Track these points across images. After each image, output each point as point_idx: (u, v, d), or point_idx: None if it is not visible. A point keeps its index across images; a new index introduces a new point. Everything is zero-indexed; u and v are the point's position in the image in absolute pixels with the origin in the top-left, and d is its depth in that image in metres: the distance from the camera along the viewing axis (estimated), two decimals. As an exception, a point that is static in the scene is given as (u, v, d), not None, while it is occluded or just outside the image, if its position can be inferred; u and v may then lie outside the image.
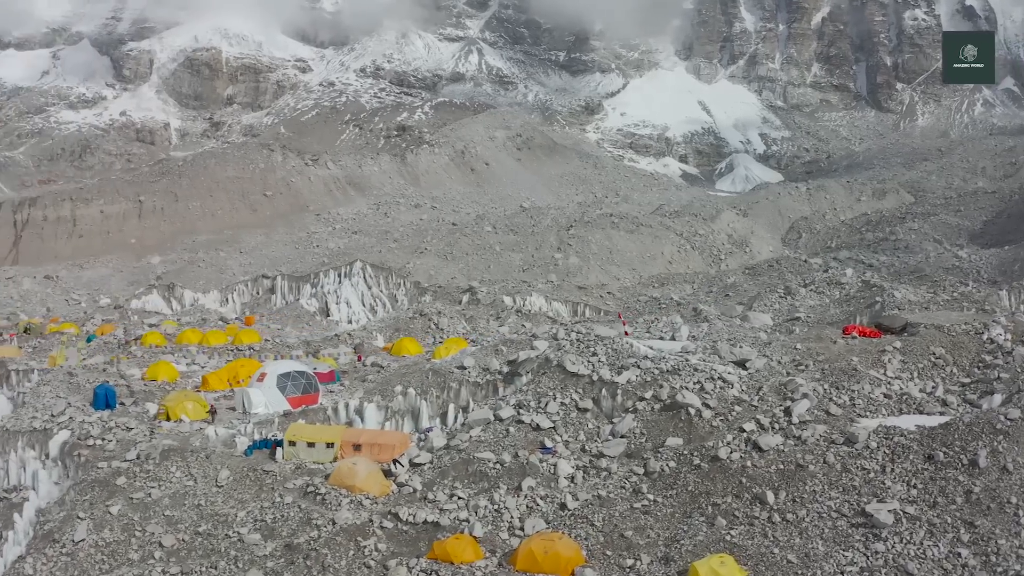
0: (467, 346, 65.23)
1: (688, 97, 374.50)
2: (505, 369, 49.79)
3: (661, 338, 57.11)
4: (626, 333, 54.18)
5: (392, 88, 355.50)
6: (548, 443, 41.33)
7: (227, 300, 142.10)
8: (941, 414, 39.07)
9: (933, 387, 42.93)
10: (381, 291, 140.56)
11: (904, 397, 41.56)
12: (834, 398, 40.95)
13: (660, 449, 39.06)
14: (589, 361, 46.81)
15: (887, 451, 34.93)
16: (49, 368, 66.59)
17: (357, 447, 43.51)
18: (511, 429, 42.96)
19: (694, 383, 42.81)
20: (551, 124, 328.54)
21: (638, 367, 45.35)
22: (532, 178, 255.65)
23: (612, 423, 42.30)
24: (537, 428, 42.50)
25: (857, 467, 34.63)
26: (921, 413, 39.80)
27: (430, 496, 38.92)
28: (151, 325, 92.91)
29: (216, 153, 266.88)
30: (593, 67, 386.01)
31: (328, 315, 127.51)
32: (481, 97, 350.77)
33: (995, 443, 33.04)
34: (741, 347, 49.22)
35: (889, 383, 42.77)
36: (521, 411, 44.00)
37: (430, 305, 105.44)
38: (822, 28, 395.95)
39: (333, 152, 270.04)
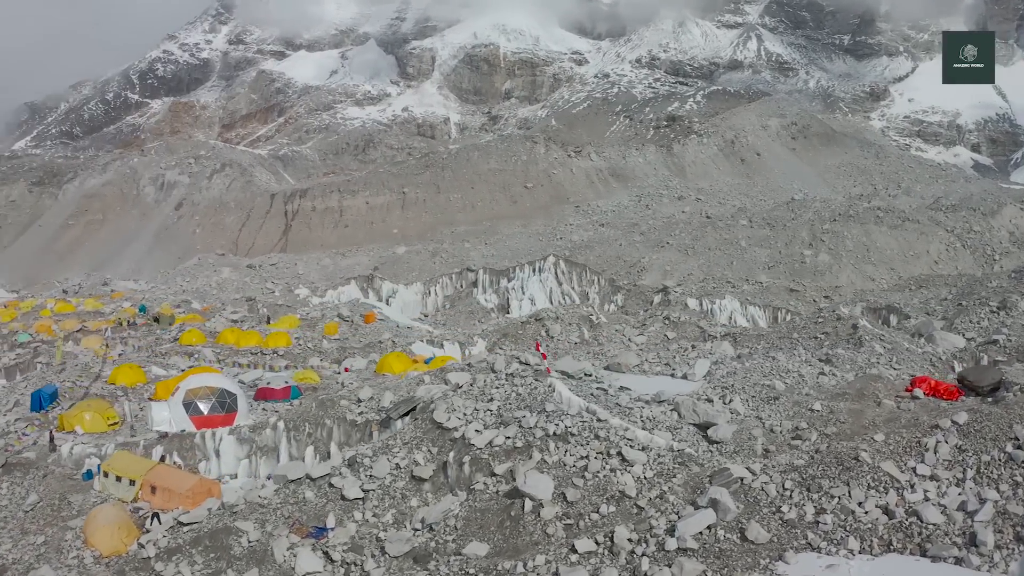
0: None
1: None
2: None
3: (672, 375, 41.74)
4: (547, 370, 36.76)
5: (667, 78, 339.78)
6: (332, 521, 28.78)
7: (429, 292, 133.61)
8: (959, 563, 21.70)
9: (977, 507, 23.65)
10: (572, 288, 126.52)
11: (913, 521, 23.67)
12: (783, 509, 24.61)
13: (454, 557, 25.32)
14: (469, 412, 32.53)
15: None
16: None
17: (154, 489, 33.73)
18: (310, 494, 30.67)
19: (577, 458, 28.25)
20: (832, 112, 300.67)
21: (519, 425, 30.42)
22: (806, 169, 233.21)
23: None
24: (342, 498, 29.83)
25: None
26: (925, 556, 22.32)
27: (153, 568, 28.44)
28: (233, 322, 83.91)
29: (480, 146, 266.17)
30: (879, 50, 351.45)
31: (508, 311, 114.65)
32: (759, 85, 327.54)
33: None
34: (729, 401, 32.96)
35: (906, 489, 25.00)
36: (344, 471, 31.24)
37: (549, 311, 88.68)
38: None
39: (598, 144, 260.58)
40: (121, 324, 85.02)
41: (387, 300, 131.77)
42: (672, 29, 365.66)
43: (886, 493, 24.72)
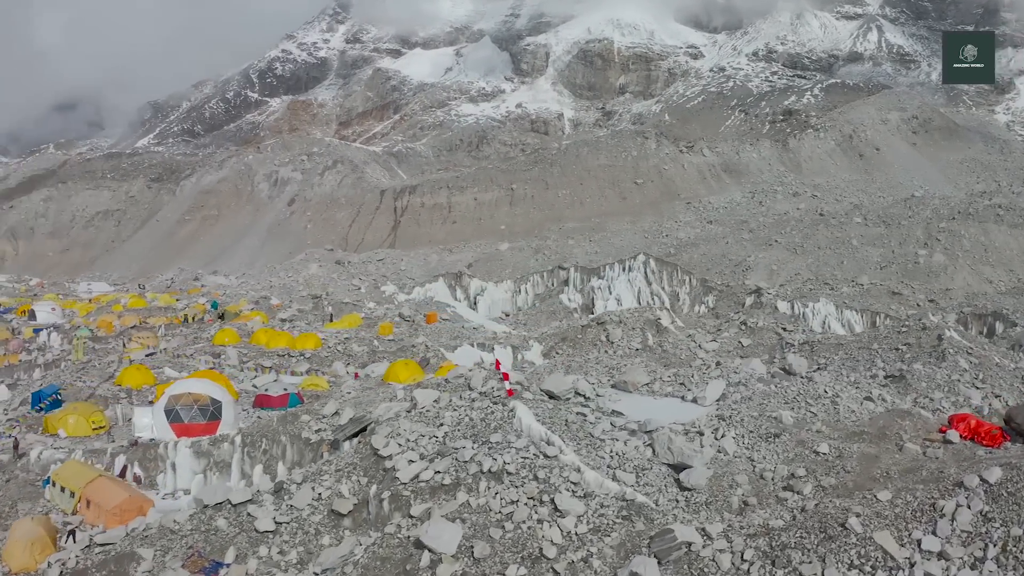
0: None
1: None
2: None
3: (682, 397, 36.63)
4: (509, 392, 31.65)
5: (783, 71, 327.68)
6: (231, 556, 25.32)
7: (519, 290, 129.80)
8: None
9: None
10: (662, 287, 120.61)
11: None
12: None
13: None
14: (412, 438, 28.35)
15: None
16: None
17: (88, 503, 31.17)
18: (223, 522, 26.95)
19: (505, 503, 23.96)
20: (955, 105, 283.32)
21: (454, 457, 26.24)
22: (927, 164, 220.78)
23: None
24: (255, 529, 26.16)
25: None
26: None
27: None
28: (286, 320, 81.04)
29: (589, 141, 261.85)
30: (1004, 41, 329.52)
31: (592, 311, 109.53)
32: (879, 77, 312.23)
33: None
34: (720, 436, 27.83)
35: (902, 571, 19.42)
36: (264, 498, 27.39)
37: (613, 314, 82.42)
38: None
39: (711, 139, 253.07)
40: (188, 320, 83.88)
41: (474, 298, 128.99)
42: (790, 21, 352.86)
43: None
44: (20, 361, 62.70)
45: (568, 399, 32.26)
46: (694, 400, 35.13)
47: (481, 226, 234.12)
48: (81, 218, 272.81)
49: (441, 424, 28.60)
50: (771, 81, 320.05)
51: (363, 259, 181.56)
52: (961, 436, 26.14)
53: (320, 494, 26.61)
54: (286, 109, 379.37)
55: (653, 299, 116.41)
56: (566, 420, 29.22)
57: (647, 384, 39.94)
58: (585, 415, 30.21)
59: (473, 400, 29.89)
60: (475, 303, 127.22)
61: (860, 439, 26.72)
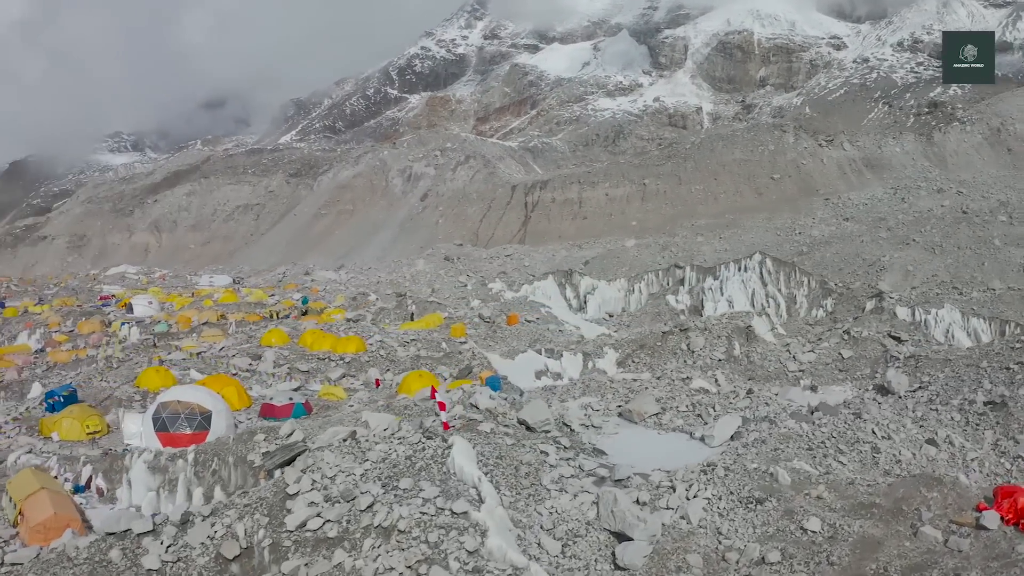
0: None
1: None
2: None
3: (689, 434, 31.26)
4: (444, 425, 27.05)
5: (930, 61, 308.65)
6: None
7: (633, 289, 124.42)
8: None
9: None
10: (778, 289, 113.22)
11: None
12: None
13: None
14: (329, 474, 24.52)
15: None
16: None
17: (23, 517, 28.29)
18: (117, 554, 23.25)
19: (382, 570, 19.97)
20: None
21: (352, 503, 22.39)
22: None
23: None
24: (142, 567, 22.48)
25: None
26: None
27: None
28: (348, 320, 78.15)
29: (724, 135, 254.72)
30: None
31: (701, 313, 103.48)
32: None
33: None
34: (693, 495, 22.58)
35: None
36: (166, 530, 23.71)
37: (698, 320, 76.33)
38: None
39: (852, 132, 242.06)
40: (271, 317, 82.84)
41: (584, 297, 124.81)
42: (936, 10, 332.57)
43: None
44: (87, 356, 62.21)
45: (547, 431, 27.78)
46: (702, 438, 30.09)
47: (611, 222, 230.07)
48: (222, 212, 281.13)
49: (366, 459, 24.71)
50: (916, 72, 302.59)
51: (491, 254, 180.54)
52: (1003, 519, 19.16)
53: (217, 532, 23.14)
54: (425, 105, 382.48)
55: (768, 301, 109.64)
56: (521, 461, 24.95)
57: (655, 415, 34.80)
58: (548, 454, 25.72)
59: (404, 435, 25.91)
60: (585, 302, 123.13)
61: (867, 514, 20.91)
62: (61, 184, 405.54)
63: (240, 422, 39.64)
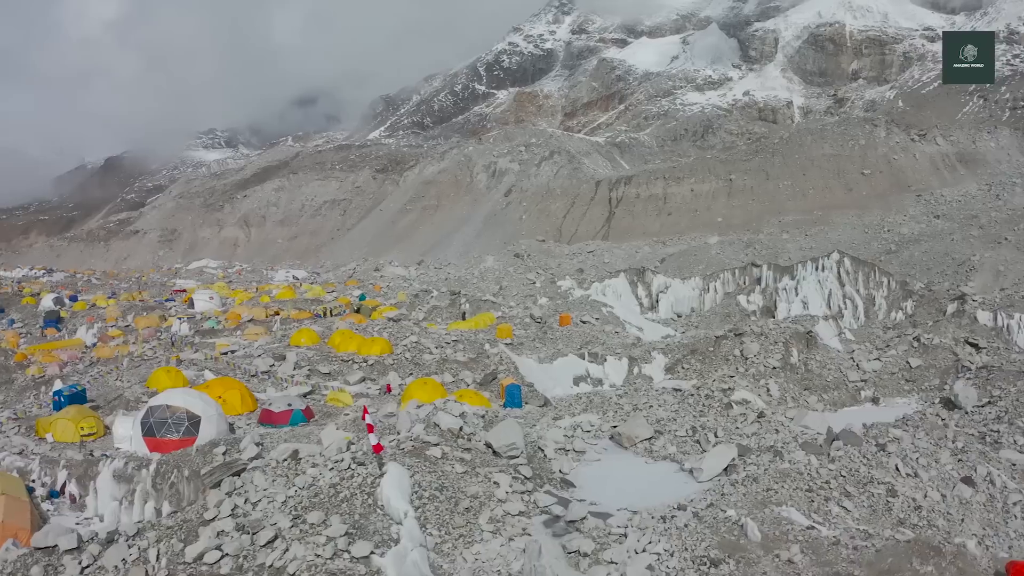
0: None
1: None
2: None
3: (680, 465, 28.42)
4: (376, 447, 23.90)
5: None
6: None
7: (707, 288, 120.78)
8: None
9: None
10: (856, 290, 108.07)
11: None
12: None
13: None
14: (253, 500, 22.62)
15: None
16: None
17: None
18: (38, 571, 21.67)
19: None
20: None
21: (253, 538, 20.44)
22: None
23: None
24: None
25: None
26: None
27: None
28: (390, 319, 76.24)
29: (813, 130, 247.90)
30: None
31: (774, 315, 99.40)
32: None
33: None
34: (641, 549, 19.90)
35: None
36: (90, 549, 21.92)
37: (755, 323, 71.51)
38: None
39: (945, 126, 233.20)
40: (325, 315, 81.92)
41: (656, 296, 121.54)
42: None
43: None
44: (129, 352, 61.96)
45: (512, 456, 25.31)
46: (691, 471, 27.14)
47: (696, 218, 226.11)
48: (309, 207, 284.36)
49: (292, 484, 22.75)
50: (1012, 64, 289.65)
51: (573, 251, 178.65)
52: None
53: (131, 556, 21.43)
54: (512, 101, 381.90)
55: (845, 303, 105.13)
56: (465, 494, 22.56)
57: (647, 440, 31.75)
58: (499, 485, 23.15)
59: (340, 458, 23.67)
60: (657, 301, 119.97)
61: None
62: (155, 180, 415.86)
63: (239, 427, 38.15)
